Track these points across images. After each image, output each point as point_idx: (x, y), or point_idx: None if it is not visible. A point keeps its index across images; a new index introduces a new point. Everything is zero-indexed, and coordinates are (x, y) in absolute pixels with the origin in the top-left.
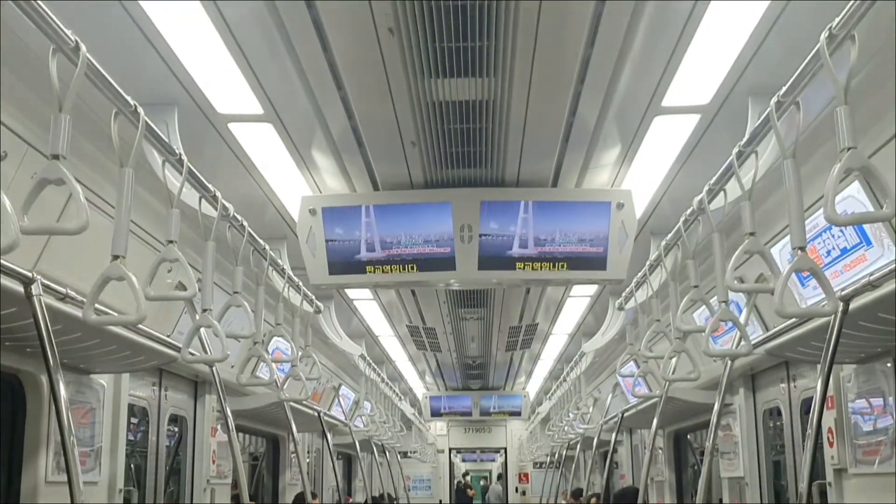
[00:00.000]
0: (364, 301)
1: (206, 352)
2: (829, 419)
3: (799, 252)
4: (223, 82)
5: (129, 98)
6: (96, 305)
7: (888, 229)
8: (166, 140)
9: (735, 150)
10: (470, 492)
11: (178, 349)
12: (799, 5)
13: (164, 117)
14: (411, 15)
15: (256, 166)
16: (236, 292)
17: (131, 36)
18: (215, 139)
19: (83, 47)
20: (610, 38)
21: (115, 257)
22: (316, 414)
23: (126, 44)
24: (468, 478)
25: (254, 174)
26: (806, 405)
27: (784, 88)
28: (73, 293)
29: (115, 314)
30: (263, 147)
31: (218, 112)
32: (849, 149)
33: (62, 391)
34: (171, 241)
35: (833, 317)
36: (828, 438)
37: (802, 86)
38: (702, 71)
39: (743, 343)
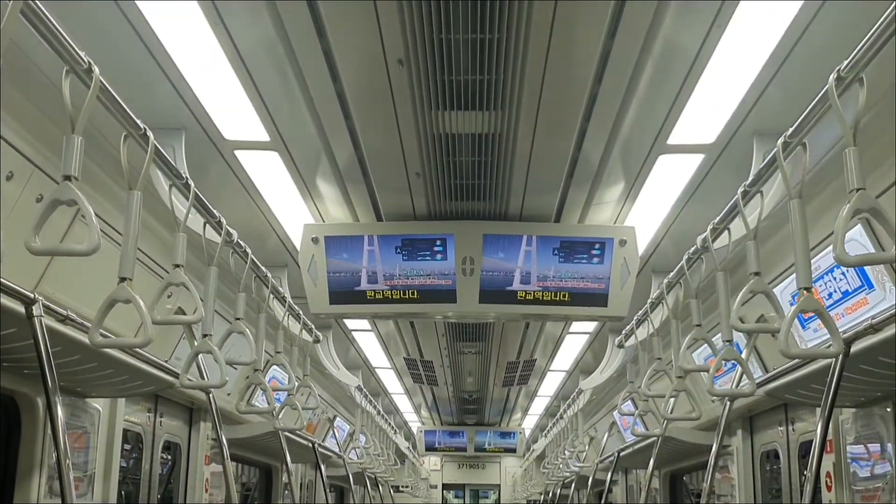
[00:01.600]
0: (362, 332)
1: (203, 378)
2: (827, 463)
3: (804, 292)
4: (231, 109)
5: (139, 121)
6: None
7: (890, 273)
8: (173, 164)
9: (740, 190)
10: None
11: (175, 375)
12: (804, 48)
13: (172, 142)
14: (421, 47)
15: (261, 193)
16: (238, 319)
17: (142, 61)
18: (221, 165)
19: (96, 69)
20: (617, 75)
21: (122, 280)
22: (310, 445)
23: (136, 68)
24: None
25: (257, 201)
26: (804, 448)
27: (791, 129)
28: (73, 315)
29: (113, 337)
30: (268, 175)
31: (225, 138)
32: (858, 190)
33: (60, 414)
34: (177, 266)
35: (834, 360)
36: (826, 482)
37: (809, 127)
38: (707, 110)
39: (745, 383)
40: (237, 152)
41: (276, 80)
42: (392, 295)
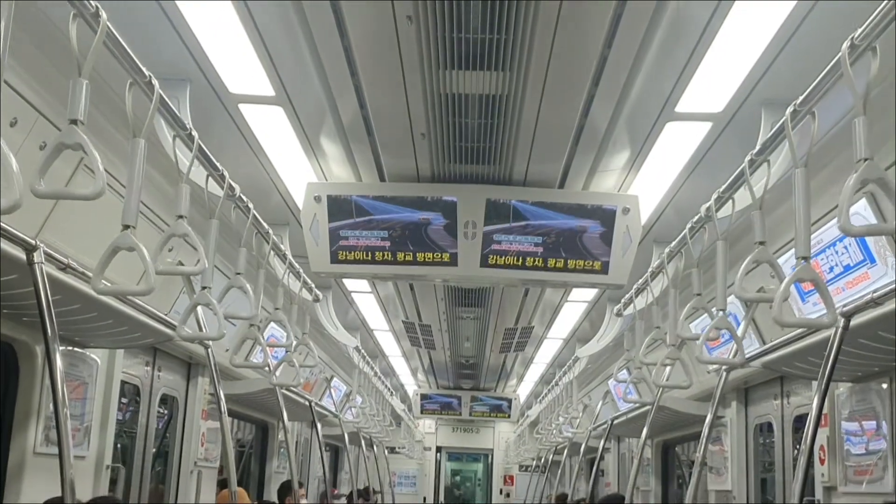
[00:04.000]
0: (362, 294)
1: (202, 331)
2: (821, 437)
3: (802, 262)
4: (237, 62)
5: (144, 69)
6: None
7: (892, 247)
8: (178, 115)
9: (747, 159)
10: None
11: (174, 327)
12: (815, 20)
13: (176, 93)
14: (431, 3)
15: (264, 149)
16: (239, 273)
17: (149, 9)
18: (225, 119)
19: (103, 14)
20: (628, 40)
21: (126, 227)
22: (307, 403)
23: (143, 17)
24: None
25: (260, 157)
26: (798, 422)
27: (801, 97)
28: (73, 263)
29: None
30: (272, 130)
31: (230, 91)
32: (865, 160)
33: (58, 363)
34: (180, 217)
35: (833, 332)
36: (819, 456)
37: (819, 95)
38: (717, 79)
39: (738, 353)
40: (241, 106)
41: (283, 34)
42: (392, 256)
